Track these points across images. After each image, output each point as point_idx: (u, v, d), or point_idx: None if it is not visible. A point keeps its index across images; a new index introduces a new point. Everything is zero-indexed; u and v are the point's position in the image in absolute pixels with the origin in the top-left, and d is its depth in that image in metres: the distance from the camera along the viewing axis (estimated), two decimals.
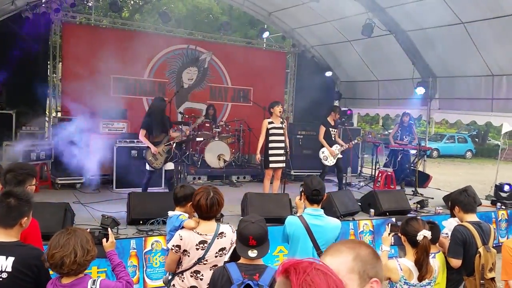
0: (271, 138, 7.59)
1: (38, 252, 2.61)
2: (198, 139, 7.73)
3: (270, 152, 7.62)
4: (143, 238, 5.37)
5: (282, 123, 7.65)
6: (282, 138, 7.63)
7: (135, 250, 5.28)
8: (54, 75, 10.14)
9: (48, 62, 9.84)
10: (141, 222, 5.79)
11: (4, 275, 2.56)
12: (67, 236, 2.45)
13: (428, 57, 9.95)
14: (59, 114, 9.98)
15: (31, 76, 8.84)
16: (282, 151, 7.60)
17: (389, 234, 3.67)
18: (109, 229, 2.99)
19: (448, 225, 4.29)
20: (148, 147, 7.25)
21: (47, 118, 9.88)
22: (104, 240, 2.90)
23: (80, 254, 2.41)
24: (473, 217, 3.93)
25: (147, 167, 7.29)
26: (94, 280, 2.50)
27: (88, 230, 2.86)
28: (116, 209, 6.55)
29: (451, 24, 8.50)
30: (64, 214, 5.24)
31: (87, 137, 8.93)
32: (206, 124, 10.25)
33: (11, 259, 2.58)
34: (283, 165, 7.73)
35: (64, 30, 9.96)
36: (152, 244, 5.35)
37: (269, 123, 7.59)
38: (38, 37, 9.36)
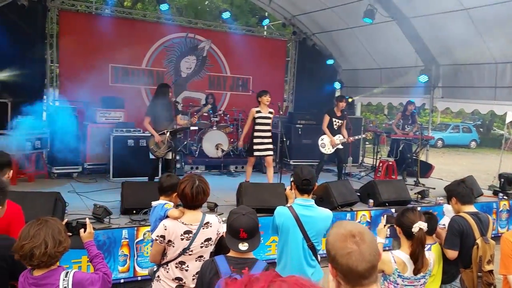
0: (257, 127, 7.64)
1: (12, 243, 2.50)
2: (192, 128, 7.62)
3: (255, 140, 7.65)
4: (135, 228, 5.31)
5: (270, 113, 7.71)
6: (268, 127, 7.70)
7: (127, 240, 5.23)
8: (51, 64, 10.01)
9: (46, 50, 9.72)
10: (134, 211, 5.71)
11: None
12: (38, 226, 2.34)
13: (431, 45, 9.75)
14: (56, 103, 9.87)
15: (28, 65, 8.71)
16: (268, 140, 7.66)
17: (384, 225, 3.56)
18: (87, 219, 2.88)
19: (447, 213, 4.18)
20: (151, 135, 7.12)
21: (44, 107, 9.77)
22: (81, 230, 2.79)
23: (51, 245, 2.31)
24: (470, 209, 3.81)
25: (151, 156, 7.20)
26: (67, 272, 2.40)
27: (66, 220, 2.76)
28: (111, 199, 6.48)
29: (454, 10, 8.29)
30: (55, 204, 5.15)
31: (84, 126, 8.87)
32: (205, 113, 10.12)
33: None
34: (271, 152, 7.78)
35: (61, 18, 9.82)
36: (144, 234, 5.29)
37: (257, 112, 7.62)
38: (35, 25, 9.25)
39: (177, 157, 7.85)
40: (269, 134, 7.71)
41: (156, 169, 7.52)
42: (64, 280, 2.36)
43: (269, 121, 7.72)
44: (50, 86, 9.96)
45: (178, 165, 8.64)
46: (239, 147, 7.89)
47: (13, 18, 8.70)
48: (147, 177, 7.48)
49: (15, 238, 2.46)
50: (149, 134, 7.21)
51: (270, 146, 7.74)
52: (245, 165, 10.36)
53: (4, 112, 8.27)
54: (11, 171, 3.37)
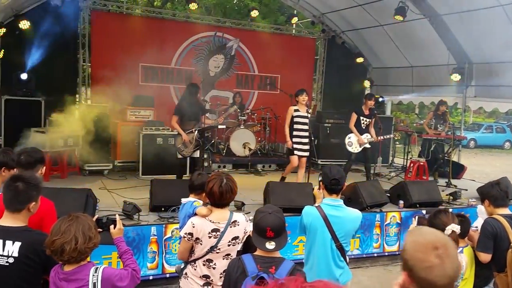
0: (295, 126, 7.47)
1: (45, 238, 2.55)
2: (220, 126, 7.64)
3: (295, 140, 7.48)
4: (164, 225, 5.37)
5: (308, 111, 7.55)
6: (306, 127, 7.50)
7: (156, 237, 5.30)
8: (83, 63, 10.22)
9: (78, 50, 9.93)
10: (162, 209, 5.78)
11: (11, 260, 2.54)
12: (69, 222, 2.38)
13: (464, 42, 9.48)
14: (88, 101, 10.08)
15: (60, 64, 8.92)
16: (306, 140, 7.46)
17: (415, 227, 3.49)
18: (116, 215, 2.91)
19: (481, 214, 4.06)
20: (178, 134, 7.18)
21: (76, 105, 9.99)
22: (111, 226, 2.83)
23: (81, 241, 2.34)
24: (504, 212, 3.69)
25: (178, 155, 7.24)
26: (97, 268, 2.43)
27: (96, 216, 2.80)
28: (140, 196, 6.57)
29: (489, 6, 8.05)
30: (86, 200, 5.26)
31: (115, 125, 9.03)
32: (232, 113, 10.15)
33: (17, 244, 2.56)
34: (307, 154, 7.59)
35: (92, 18, 10.02)
36: (172, 231, 5.35)
37: (295, 110, 7.48)
38: (67, 25, 9.44)
39: (205, 156, 7.88)
40: (307, 134, 7.48)
41: (184, 167, 7.58)
42: (93, 275, 2.40)
43: (307, 120, 7.53)
44: (82, 85, 10.18)
45: (205, 164, 8.69)
46: (288, 147, 7.63)
47: (46, 18, 8.92)
48: (175, 175, 7.55)
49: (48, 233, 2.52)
50: (177, 133, 7.27)
51: (308, 147, 7.54)
52: (272, 164, 10.41)
53: (38, 110, 8.51)
54: (44, 167, 3.45)
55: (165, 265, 5.32)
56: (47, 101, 8.64)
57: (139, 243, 5.19)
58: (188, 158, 7.47)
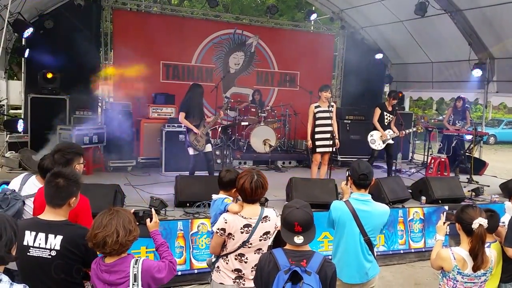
0: (317, 122, 7.41)
1: (85, 232, 2.64)
2: (243, 123, 7.64)
3: (317, 136, 7.42)
4: (190, 220, 5.45)
5: (329, 106, 7.46)
6: (329, 122, 7.41)
7: (182, 232, 5.38)
8: (105, 61, 10.39)
9: (100, 48, 10.09)
10: (188, 204, 5.86)
11: (53, 253, 2.63)
12: (110, 216, 2.47)
13: (486, 38, 9.40)
14: (111, 99, 10.24)
15: (84, 62, 9.06)
16: (328, 135, 7.38)
17: (444, 223, 3.52)
18: (152, 209, 2.99)
19: (508, 210, 4.06)
20: (189, 130, 7.22)
21: (99, 103, 10.17)
22: (148, 220, 2.91)
23: (122, 234, 2.43)
24: None
25: (191, 151, 7.18)
26: (137, 260, 2.52)
27: (133, 210, 2.89)
28: (165, 192, 6.69)
29: (511, 1, 7.97)
30: (115, 195, 5.38)
31: (138, 122, 9.18)
32: (252, 109, 10.21)
33: (59, 238, 2.65)
34: (330, 149, 7.50)
35: (114, 17, 10.17)
36: (198, 226, 5.43)
37: (316, 107, 7.46)
38: (90, 23, 9.65)
39: (227, 152, 7.93)
40: (330, 129, 7.35)
41: (196, 164, 7.57)
42: (134, 267, 2.48)
43: (329, 115, 7.40)
44: (104, 83, 10.33)
45: (227, 160, 8.78)
46: (308, 148, 7.57)
47: (70, 17, 9.09)
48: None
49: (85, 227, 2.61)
50: (187, 129, 7.28)
51: (330, 143, 7.38)
52: (293, 160, 10.45)
53: (63, 108, 8.69)
54: (78, 163, 3.50)
55: (193, 260, 5.37)
56: (71, 99, 8.81)
57: (166, 237, 5.23)
58: (200, 154, 7.44)
